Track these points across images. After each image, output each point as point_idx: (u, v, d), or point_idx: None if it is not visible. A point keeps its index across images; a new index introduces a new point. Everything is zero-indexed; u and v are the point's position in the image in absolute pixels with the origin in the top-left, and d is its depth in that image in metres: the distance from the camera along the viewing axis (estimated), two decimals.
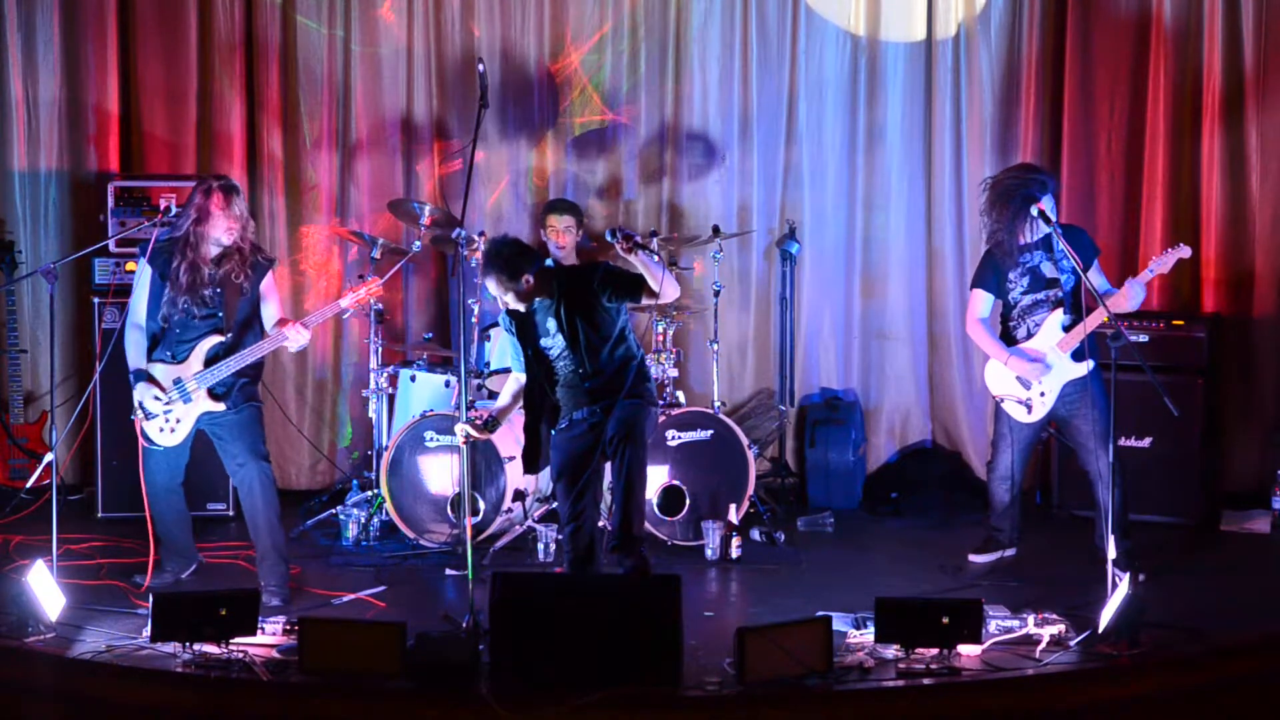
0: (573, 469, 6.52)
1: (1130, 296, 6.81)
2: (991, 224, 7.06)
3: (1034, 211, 6.81)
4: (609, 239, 6.32)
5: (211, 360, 6.66)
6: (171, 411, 6.67)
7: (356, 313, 7.64)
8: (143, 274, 6.72)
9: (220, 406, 6.69)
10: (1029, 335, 7.05)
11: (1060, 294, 6.98)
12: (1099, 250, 7.16)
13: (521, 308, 6.44)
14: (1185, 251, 6.90)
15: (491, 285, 6.42)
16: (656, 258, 6.37)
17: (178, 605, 5.83)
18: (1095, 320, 6.87)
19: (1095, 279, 7.00)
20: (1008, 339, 7.12)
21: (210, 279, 6.66)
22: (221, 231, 6.64)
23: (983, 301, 7.13)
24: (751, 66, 8.75)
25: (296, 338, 6.65)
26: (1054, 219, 6.87)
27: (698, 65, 8.77)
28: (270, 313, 6.81)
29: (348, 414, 8.76)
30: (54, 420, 6.68)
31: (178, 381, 6.66)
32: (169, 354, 6.68)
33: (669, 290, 6.36)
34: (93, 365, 7.44)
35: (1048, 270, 6.97)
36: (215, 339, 6.68)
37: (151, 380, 6.67)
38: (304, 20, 8.61)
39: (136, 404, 6.71)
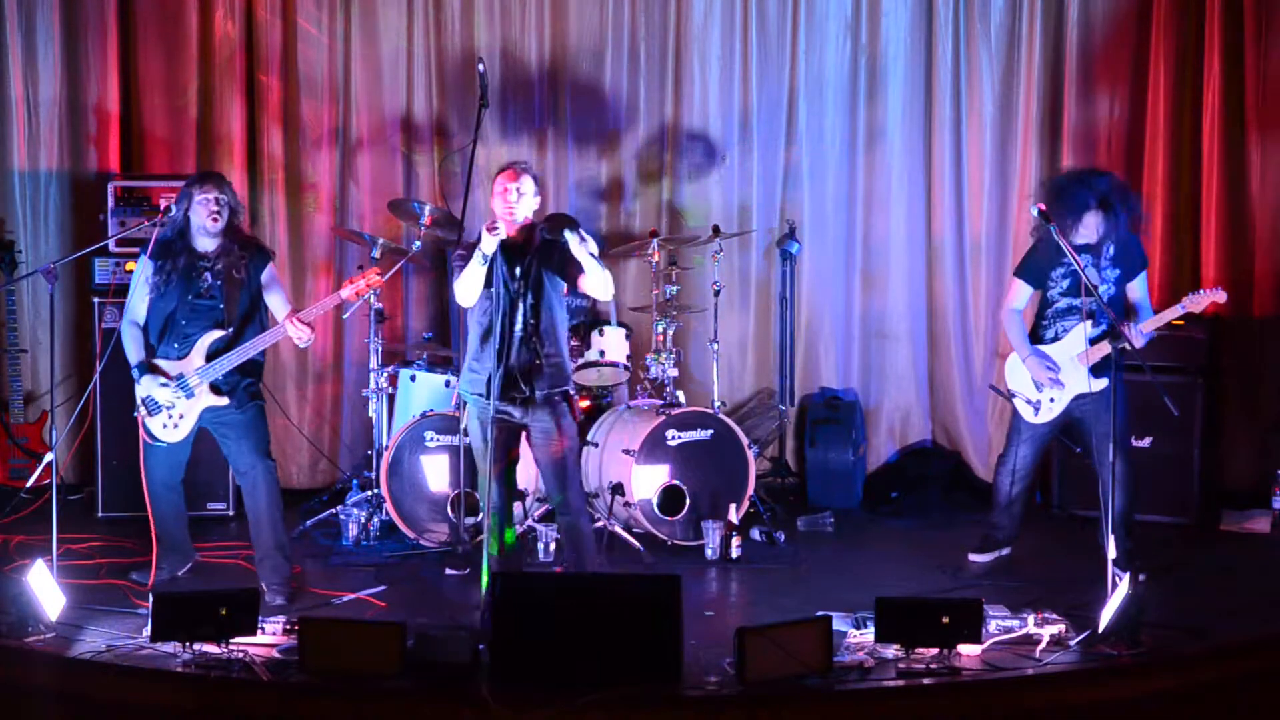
0: (501, 452, 6.55)
1: (1134, 338, 6.76)
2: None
3: (1034, 211, 6.79)
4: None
5: (214, 355, 6.66)
6: (175, 407, 6.68)
7: (357, 305, 7.62)
8: (142, 271, 6.73)
9: (223, 401, 6.69)
10: (1056, 339, 7.02)
11: (1094, 304, 6.92)
12: (1147, 261, 7.11)
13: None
14: (1220, 295, 6.84)
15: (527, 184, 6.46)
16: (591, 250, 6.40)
17: (178, 605, 5.82)
18: (1106, 348, 6.84)
19: (1139, 290, 6.97)
20: (1035, 338, 7.09)
21: (204, 269, 6.66)
22: (205, 218, 6.64)
23: (1020, 292, 7.10)
24: (751, 66, 8.76)
25: (297, 333, 6.65)
26: (1096, 230, 6.83)
27: (698, 65, 8.78)
28: (277, 304, 6.82)
29: (348, 413, 8.77)
30: (54, 420, 6.69)
31: (180, 377, 6.66)
32: (173, 347, 6.69)
33: (598, 285, 6.42)
34: (93, 365, 7.44)
35: (1090, 276, 6.88)
36: (217, 333, 6.68)
37: (155, 369, 6.67)
38: (304, 20, 8.61)
39: (139, 400, 6.71)
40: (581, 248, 6.31)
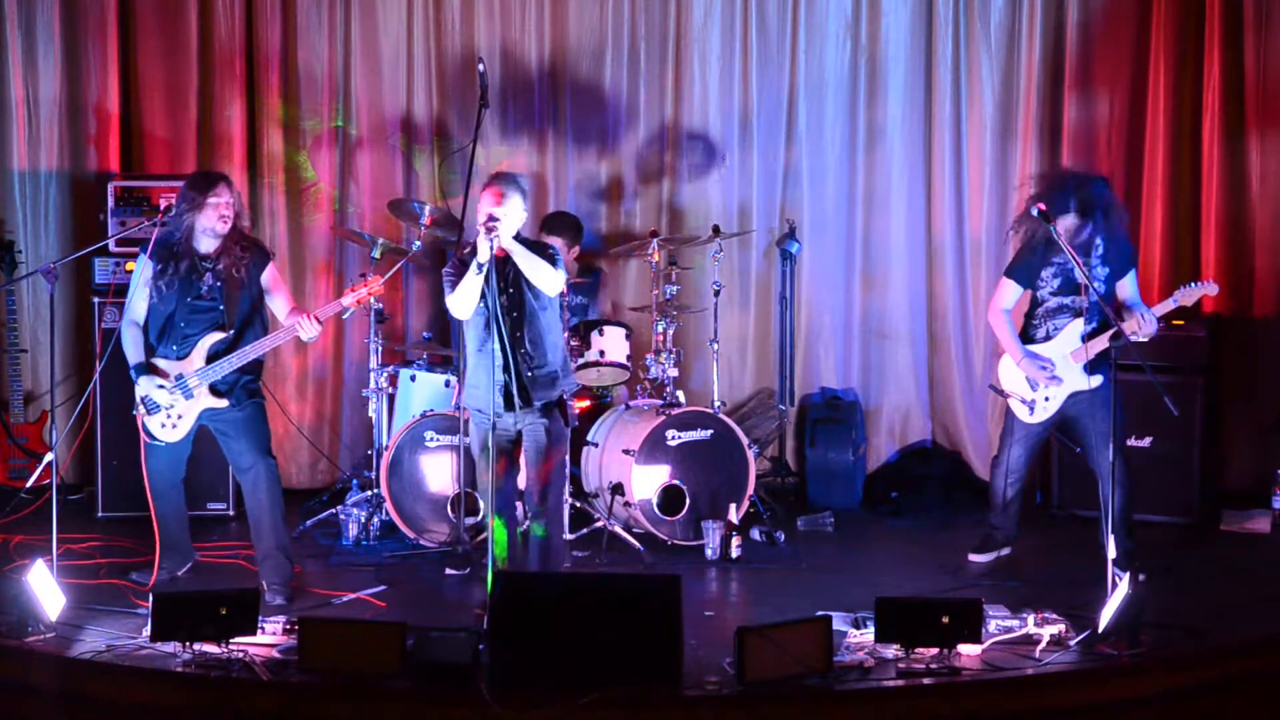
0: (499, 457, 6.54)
1: (1144, 324, 6.78)
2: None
3: (1034, 212, 6.79)
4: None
5: (214, 356, 6.67)
6: (174, 407, 6.68)
7: (357, 311, 7.62)
8: (142, 270, 6.73)
9: (222, 403, 6.69)
10: (1048, 337, 7.03)
11: (1086, 302, 6.94)
12: (1136, 260, 7.11)
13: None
14: (1212, 288, 6.88)
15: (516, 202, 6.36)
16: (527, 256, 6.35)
17: (178, 605, 5.82)
18: (1101, 344, 6.85)
19: (1129, 288, 6.98)
20: (1026, 337, 7.10)
21: (205, 270, 6.66)
22: (214, 221, 6.64)
23: (1010, 291, 7.10)
24: (751, 66, 8.75)
25: (309, 328, 6.65)
26: (1077, 227, 6.84)
27: (698, 65, 8.78)
28: (279, 305, 6.82)
29: (348, 413, 8.77)
30: (54, 420, 6.68)
31: (179, 377, 6.67)
32: (172, 348, 6.69)
33: (547, 281, 6.37)
34: (93, 365, 7.44)
35: (1080, 276, 6.91)
36: (217, 335, 6.68)
37: (154, 370, 6.67)
38: (304, 20, 8.61)
39: (138, 399, 6.71)
40: (517, 246, 6.31)
